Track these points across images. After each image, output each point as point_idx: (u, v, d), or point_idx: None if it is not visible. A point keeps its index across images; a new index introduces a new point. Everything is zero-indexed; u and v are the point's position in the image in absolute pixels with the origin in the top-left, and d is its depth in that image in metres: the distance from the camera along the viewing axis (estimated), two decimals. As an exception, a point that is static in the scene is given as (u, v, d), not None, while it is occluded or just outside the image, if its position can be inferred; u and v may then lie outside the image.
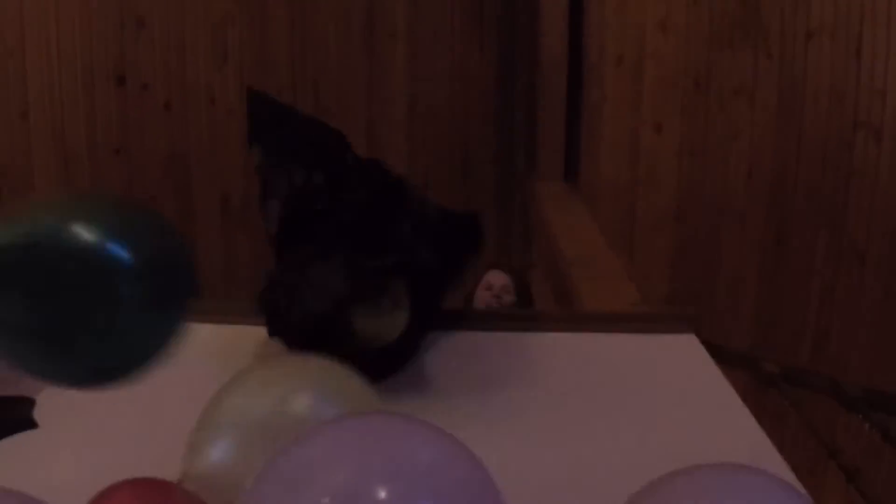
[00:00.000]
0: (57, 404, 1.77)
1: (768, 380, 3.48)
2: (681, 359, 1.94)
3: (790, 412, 3.45)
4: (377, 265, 1.78)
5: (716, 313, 4.68)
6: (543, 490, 1.42)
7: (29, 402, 1.80)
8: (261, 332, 2.07)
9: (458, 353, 2.00)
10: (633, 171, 4.77)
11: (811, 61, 4.44)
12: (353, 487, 0.91)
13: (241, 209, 5.09)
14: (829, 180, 4.43)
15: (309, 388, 1.28)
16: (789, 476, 1.41)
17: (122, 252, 1.18)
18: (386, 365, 1.67)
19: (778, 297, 4.64)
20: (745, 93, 4.59)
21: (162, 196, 5.05)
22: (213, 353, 2.03)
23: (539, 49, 4.96)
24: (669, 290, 4.75)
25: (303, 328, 1.73)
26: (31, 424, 1.72)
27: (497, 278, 4.09)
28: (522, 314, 2.17)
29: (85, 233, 1.17)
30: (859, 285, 4.38)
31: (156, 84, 4.97)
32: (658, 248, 4.77)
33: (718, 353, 2.00)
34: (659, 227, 4.76)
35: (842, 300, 4.47)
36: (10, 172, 4.93)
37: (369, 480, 0.91)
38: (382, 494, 0.90)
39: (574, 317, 2.33)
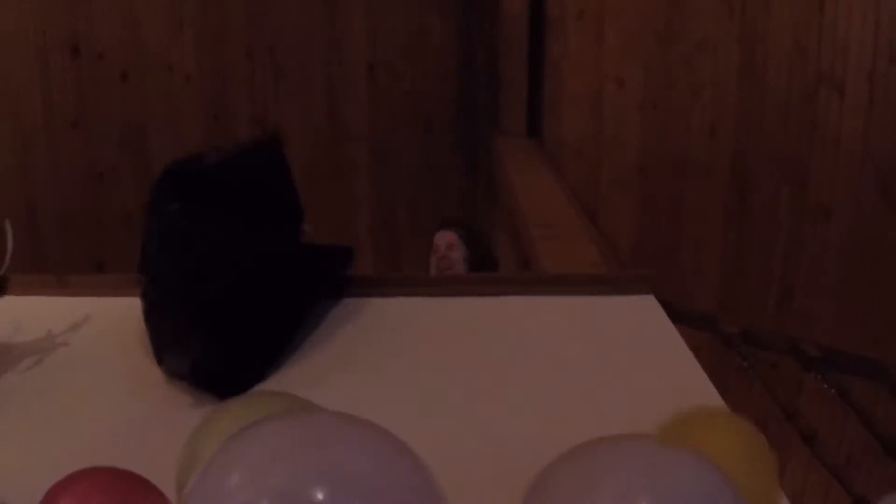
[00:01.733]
0: (17, 386, 1.76)
1: (728, 341, 3.48)
2: (639, 320, 1.94)
3: (749, 375, 3.46)
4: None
5: (680, 269, 4.69)
6: (491, 455, 1.42)
7: None
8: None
9: (410, 320, 2.00)
10: (597, 126, 4.76)
11: (774, 16, 4.43)
12: (289, 488, 0.90)
13: (200, 177, 5.07)
14: (793, 135, 4.43)
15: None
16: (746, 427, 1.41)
17: None
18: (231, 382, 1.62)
19: (742, 253, 4.65)
20: (707, 48, 4.58)
21: (120, 167, 5.01)
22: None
23: (500, 4, 4.94)
24: (635, 246, 4.75)
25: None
26: None
27: (442, 238, 4.08)
28: (477, 278, 2.17)
29: None
30: (823, 240, 4.39)
31: (112, 54, 4.92)
32: (623, 204, 4.77)
33: (679, 314, 2.00)
34: (623, 182, 4.76)
35: (806, 255, 4.48)
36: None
37: (305, 482, 0.90)
38: (318, 496, 0.89)
39: (530, 279, 2.32)
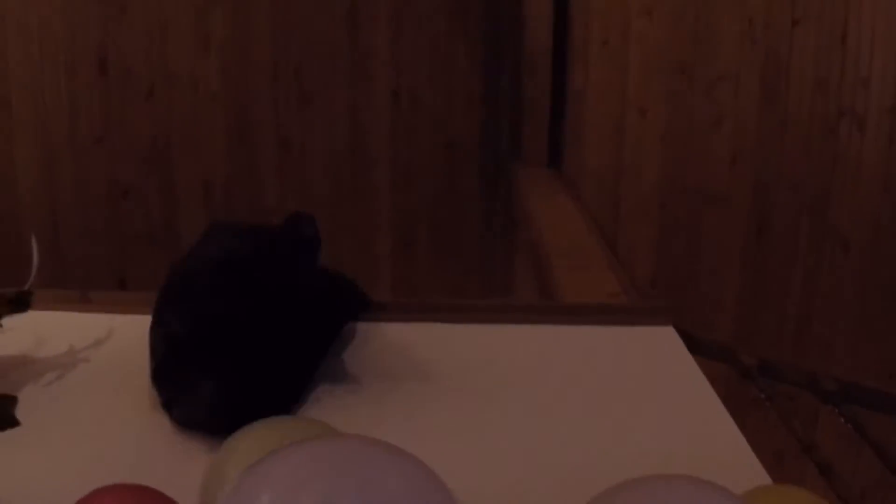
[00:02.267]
0: (39, 402, 1.77)
1: (745, 372, 3.49)
2: (657, 351, 1.94)
3: (767, 407, 3.46)
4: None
5: (698, 300, 4.70)
6: (509, 490, 1.42)
7: (11, 400, 1.80)
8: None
9: (424, 346, 2.00)
10: (618, 156, 4.77)
11: (796, 48, 4.44)
12: None
13: (224, 196, 5.08)
14: (813, 167, 4.44)
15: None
16: (762, 473, 1.42)
17: None
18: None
19: (761, 284, 4.65)
20: (729, 79, 4.59)
21: (144, 184, 5.03)
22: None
23: (524, 34, 4.95)
24: (653, 275, 4.75)
25: None
26: (13, 422, 1.73)
27: None
28: (493, 305, 2.17)
29: None
30: (842, 273, 4.39)
31: (139, 70, 4.95)
32: (642, 235, 4.77)
33: (697, 344, 2.01)
34: (642, 213, 4.77)
35: (825, 287, 4.48)
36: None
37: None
38: None
39: (548, 308, 2.32)
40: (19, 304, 1.86)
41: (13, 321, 1.85)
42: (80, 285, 2.55)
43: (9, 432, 1.71)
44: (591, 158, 4.79)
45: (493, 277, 5.20)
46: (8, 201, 4.91)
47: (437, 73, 5.07)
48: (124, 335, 2.08)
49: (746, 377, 3.33)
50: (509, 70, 5.08)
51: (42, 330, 2.05)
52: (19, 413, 1.77)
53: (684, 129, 4.69)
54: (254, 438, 1.24)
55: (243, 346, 1.62)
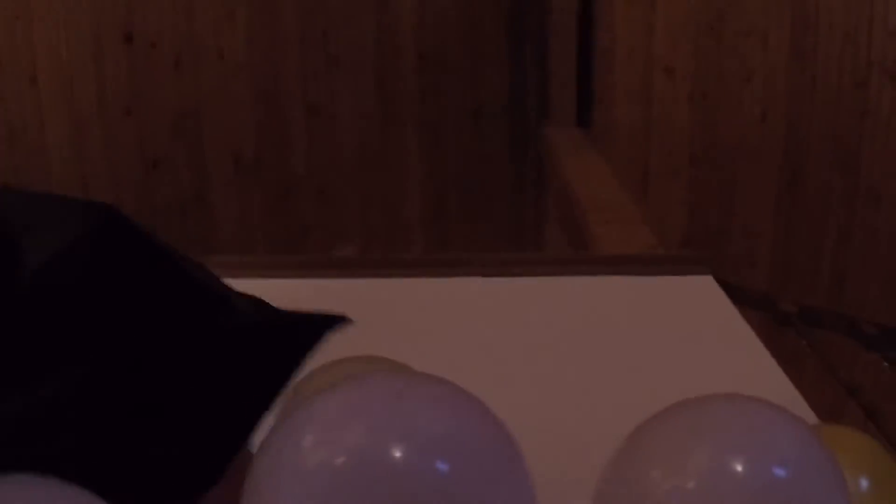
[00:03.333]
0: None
1: (785, 320, 3.48)
2: (697, 300, 1.94)
3: (808, 353, 3.45)
4: None
5: (732, 257, 4.68)
6: (553, 437, 1.42)
7: None
8: (276, 285, 2.07)
9: (463, 301, 2.00)
10: (647, 114, 4.75)
11: (824, 2, 4.41)
12: (365, 446, 0.90)
13: (253, 165, 5.09)
14: (843, 121, 4.41)
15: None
16: (809, 415, 1.41)
17: None
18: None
19: (794, 240, 4.63)
20: (757, 34, 4.56)
21: (174, 154, 5.04)
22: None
23: (549, -7, 4.94)
24: (686, 236, 4.74)
25: None
26: None
27: None
28: (531, 258, 2.16)
29: None
30: (875, 226, 4.37)
31: (164, 42, 4.95)
32: (673, 194, 4.75)
33: (735, 294, 2.00)
34: (673, 171, 4.75)
35: (858, 241, 4.46)
36: (22, 137, 4.92)
37: (382, 439, 0.90)
38: (397, 454, 0.89)
39: (586, 259, 2.32)
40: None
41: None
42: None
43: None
44: (620, 117, 4.78)
45: (523, 239, 5.20)
46: (39, 174, 4.92)
47: (464, 35, 5.06)
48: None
49: (786, 324, 3.32)
50: (535, 31, 5.05)
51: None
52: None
53: (713, 85, 4.67)
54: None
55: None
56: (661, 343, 1.75)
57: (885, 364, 3.39)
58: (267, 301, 1.64)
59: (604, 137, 4.80)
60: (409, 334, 1.85)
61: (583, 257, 2.46)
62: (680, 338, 1.77)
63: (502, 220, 5.25)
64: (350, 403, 0.94)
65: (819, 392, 3.64)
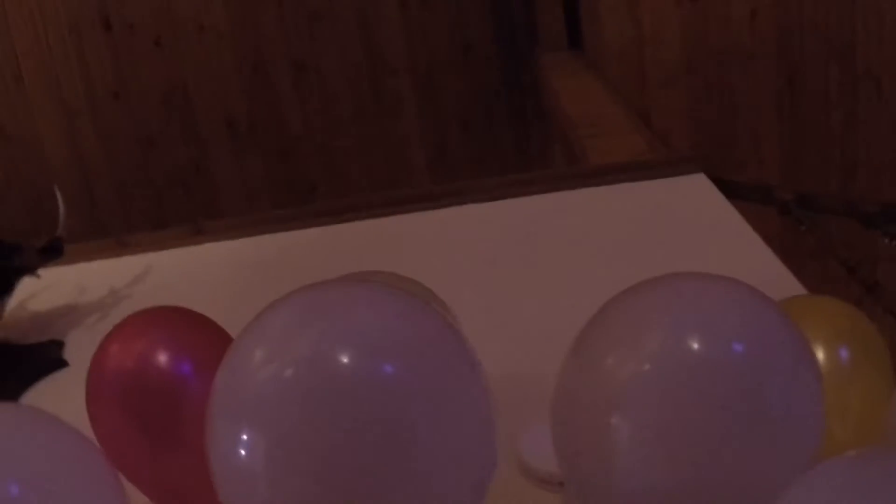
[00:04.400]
0: (84, 342, 1.80)
1: (783, 207, 3.46)
2: (690, 198, 1.94)
3: (807, 237, 3.44)
4: None
5: (739, 161, 4.66)
6: (546, 338, 1.42)
7: (58, 344, 1.84)
8: (273, 239, 2.09)
9: (469, 226, 2.00)
10: (637, 27, 4.71)
11: None
12: (313, 353, 0.90)
13: (248, 131, 5.07)
14: (835, 10, 4.38)
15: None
16: (797, 288, 1.40)
17: None
18: None
19: (800, 136, 4.61)
20: (739, -70, 4.52)
21: (168, 131, 5.03)
22: (225, 267, 2.05)
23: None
24: (690, 144, 4.71)
25: None
26: (62, 363, 1.78)
27: None
28: (524, 178, 2.16)
29: None
30: (878, 111, 4.35)
31: (142, 22, 4.93)
32: (673, 103, 4.72)
33: (730, 188, 1.99)
34: (670, 82, 4.71)
35: (864, 129, 4.44)
36: (15, 136, 4.93)
37: (330, 346, 0.90)
38: (344, 359, 0.89)
39: (575, 173, 2.32)
40: (53, 251, 1.88)
41: (54, 275, 1.88)
42: (118, 235, 2.57)
43: (58, 373, 1.75)
44: (611, 35, 4.73)
45: (530, 169, 5.17)
46: (39, 170, 4.93)
47: (444, -29, 5.02)
48: (163, 270, 2.10)
49: (784, 212, 3.31)
50: (516, -43, 5.01)
51: (83, 280, 2.08)
52: (66, 355, 1.80)
53: (700, -11, 4.63)
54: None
55: None
56: (655, 244, 1.75)
57: (886, 240, 3.37)
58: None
59: (597, 56, 4.77)
60: (424, 266, 1.86)
61: (574, 171, 2.45)
62: (674, 236, 1.77)
63: (507, 152, 5.22)
64: (296, 318, 0.95)
65: (819, 276, 3.63)
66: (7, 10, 4.80)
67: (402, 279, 1.27)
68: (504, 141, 5.21)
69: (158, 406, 1.15)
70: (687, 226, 1.82)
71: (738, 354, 0.92)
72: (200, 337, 1.21)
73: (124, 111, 4.98)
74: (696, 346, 0.92)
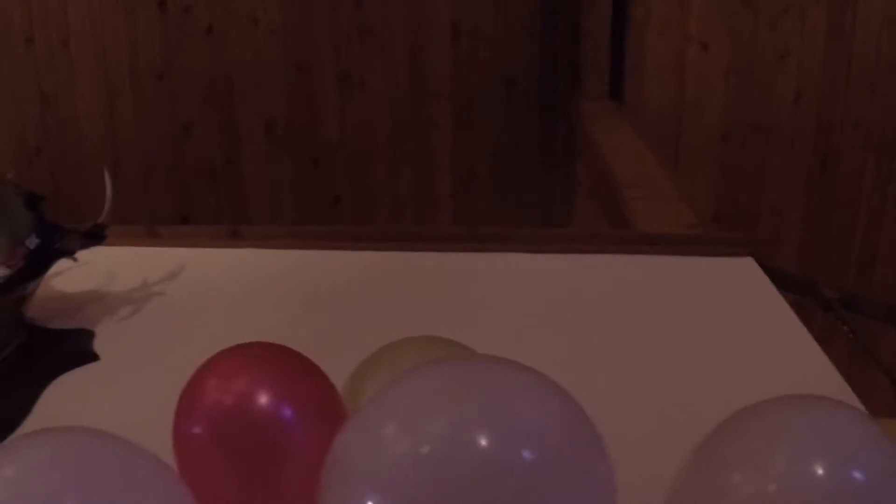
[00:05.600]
0: (116, 335, 1.79)
1: (827, 305, 3.46)
2: (740, 282, 1.94)
3: (847, 338, 3.44)
4: None
5: (761, 236, 4.66)
6: (609, 419, 1.41)
7: (89, 334, 1.82)
8: (312, 256, 2.08)
9: (514, 275, 1.99)
10: (679, 90, 4.72)
11: (864, -20, 4.38)
12: (452, 433, 0.89)
13: (285, 133, 5.06)
14: (878, 104, 4.39)
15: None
16: (854, 402, 1.40)
17: None
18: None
19: (824, 222, 4.62)
20: (794, 12, 4.52)
21: (206, 121, 5.02)
22: (267, 278, 2.04)
23: (583, -34, 4.90)
24: (715, 213, 4.72)
25: None
26: (93, 356, 1.75)
27: None
28: (571, 234, 2.16)
29: None
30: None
31: (197, 7, 4.91)
32: (704, 170, 4.73)
33: (776, 276, 1.99)
34: (705, 148, 4.72)
35: (888, 226, 4.44)
36: (54, 101, 4.91)
37: (466, 426, 0.89)
38: (481, 441, 0.88)
39: (628, 238, 2.32)
40: (95, 237, 1.87)
41: (83, 256, 1.86)
42: (142, 221, 2.56)
43: (88, 366, 1.72)
44: (653, 92, 4.75)
45: (553, 211, 5.17)
46: (71, 138, 4.91)
47: (497, 6, 5.02)
48: (195, 268, 2.10)
49: (828, 310, 3.31)
50: (569, 2, 5.01)
51: (113, 265, 2.07)
52: (97, 347, 1.78)
53: (747, 63, 4.63)
54: (393, 355, 1.23)
55: None
56: (707, 327, 1.74)
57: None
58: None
59: (636, 111, 4.77)
60: (454, 310, 1.85)
61: (623, 236, 2.45)
62: (725, 321, 1.77)
63: (532, 192, 5.22)
64: (433, 390, 0.94)
65: (859, 378, 3.61)
66: (66, -25, 4.79)
67: (452, 344, 1.26)
68: (530, 180, 5.20)
69: (257, 447, 1.13)
70: (735, 310, 1.82)
71: (858, 481, 0.93)
72: (303, 380, 1.18)
73: (165, 94, 4.97)
74: (820, 470, 0.93)
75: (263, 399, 1.14)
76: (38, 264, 1.79)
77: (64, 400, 1.59)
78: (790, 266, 4.60)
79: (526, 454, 0.89)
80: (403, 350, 1.23)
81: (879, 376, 3.36)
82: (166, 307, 1.90)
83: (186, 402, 1.18)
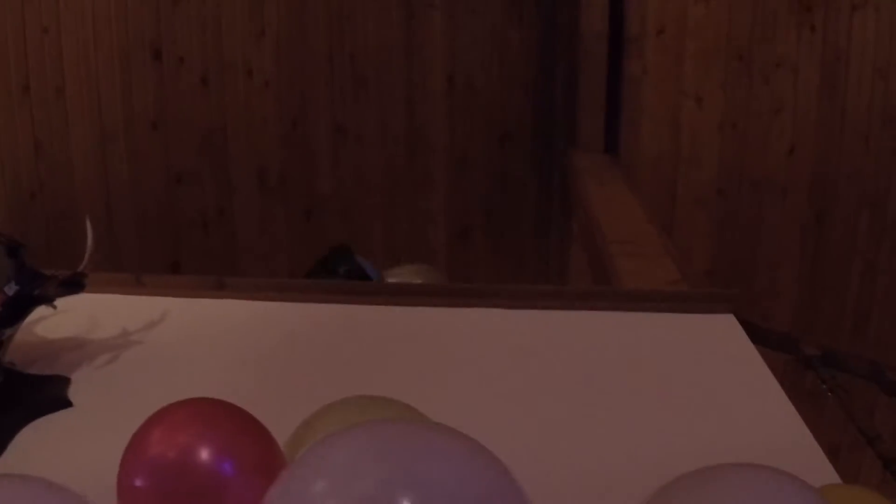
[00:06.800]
0: (92, 383, 1.78)
1: (807, 362, 3.46)
2: (718, 340, 1.93)
3: (829, 396, 3.42)
4: None
5: (756, 290, 4.66)
6: (572, 479, 1.40)
7: (64, 381, 1.82)
8: (295, 308, 2.07)
9: (484, 331, 1.99)
10: (675, 144, 4.73)
11: (855, 35, 4.39)
12: (373, 497, 0.89)
13: (278, 184, 5.08)
14: (873, 157, 4.40)
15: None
16: (825, 464, 1.39)
17: None
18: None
19: (819, 277, 4.61)
20: (787, 66, 4.54)
21: (199, 170, 5.03)
22: (247, 329, 2.04)
23: (579, 20, 4.91)
24: (710, 267, 4.72)
25: None
26: (66, 403, 1.75)
27: None
28: (551, 291, 2.16)
29: None
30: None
31: (192, 58, 4.94)
32: (699, 224, 4.74)
33: (757, 333, 1.98)
34: (700, 201, 4.73)
35: (883, 281, 4.43)
36: (47, 149, 4.92)
37: (388, 489, 0.89)
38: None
39: (605, 294, 2.31)
40: (74, 285, 1.87)
41: (68, 302, 1.86)
42: (133, 269, 2.56)
43: (61, 412, 1.72)
44: (648, 146, 4.76)
45: (547, 267, 5.17)
46: (64, 185, 4.91)
47: (493, 59, 5.04)
48: (177, 318, 2.09)
49: (808, 367, 3.30)
50: (564, 57, 5.04)
51: (96, 312, 2.07)
52: (72, 394, 1.78)
53: (742, 117, 4.65)
54: (334, 414, 1.23)
55: None
56: (681, 384, 1.74)
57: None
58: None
59: (631, 165, 4.78)
60: (422, 366, 1.85)
61: (605, 292, 2.44)
62: (700, 379, 1.76)
63: (527, 245, 5.23)
64: (361, 451, 0.94)
65: (839, 437, 3.60)
66: (62, 23, 4.81)
67: (396, 405, 1.27)
68: (525, 233, 5.21)
69: (196, 501, 1.14)
70: (711, 368, 1.81)
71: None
72: (245, 436, 1.19)
73: (159, 143, 4.98)
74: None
75: (204, 453, 1.15)
76: (16, 311, 1.79)
77: (35, 445, 1.59)
78: (785, 320, 4.60)
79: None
80: (345, 409, 1.24)
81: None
82: (143, 356, 1.90)
83: (131, 454, 1.19)
